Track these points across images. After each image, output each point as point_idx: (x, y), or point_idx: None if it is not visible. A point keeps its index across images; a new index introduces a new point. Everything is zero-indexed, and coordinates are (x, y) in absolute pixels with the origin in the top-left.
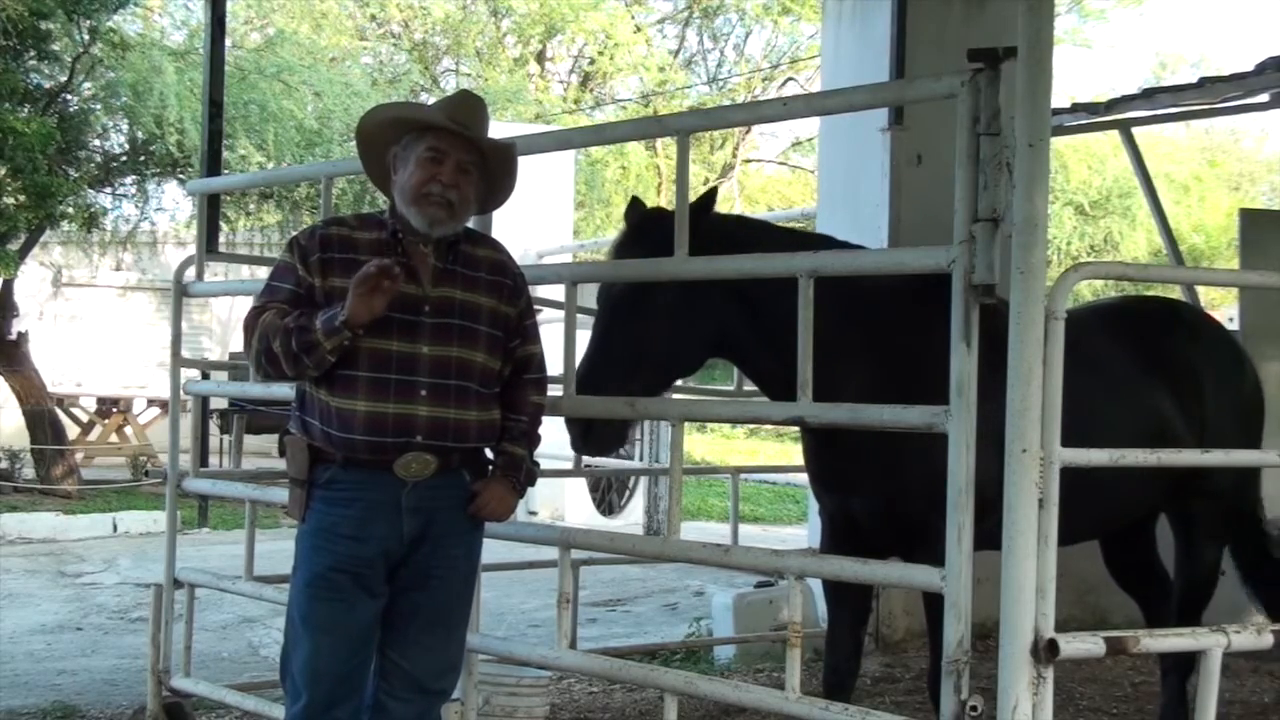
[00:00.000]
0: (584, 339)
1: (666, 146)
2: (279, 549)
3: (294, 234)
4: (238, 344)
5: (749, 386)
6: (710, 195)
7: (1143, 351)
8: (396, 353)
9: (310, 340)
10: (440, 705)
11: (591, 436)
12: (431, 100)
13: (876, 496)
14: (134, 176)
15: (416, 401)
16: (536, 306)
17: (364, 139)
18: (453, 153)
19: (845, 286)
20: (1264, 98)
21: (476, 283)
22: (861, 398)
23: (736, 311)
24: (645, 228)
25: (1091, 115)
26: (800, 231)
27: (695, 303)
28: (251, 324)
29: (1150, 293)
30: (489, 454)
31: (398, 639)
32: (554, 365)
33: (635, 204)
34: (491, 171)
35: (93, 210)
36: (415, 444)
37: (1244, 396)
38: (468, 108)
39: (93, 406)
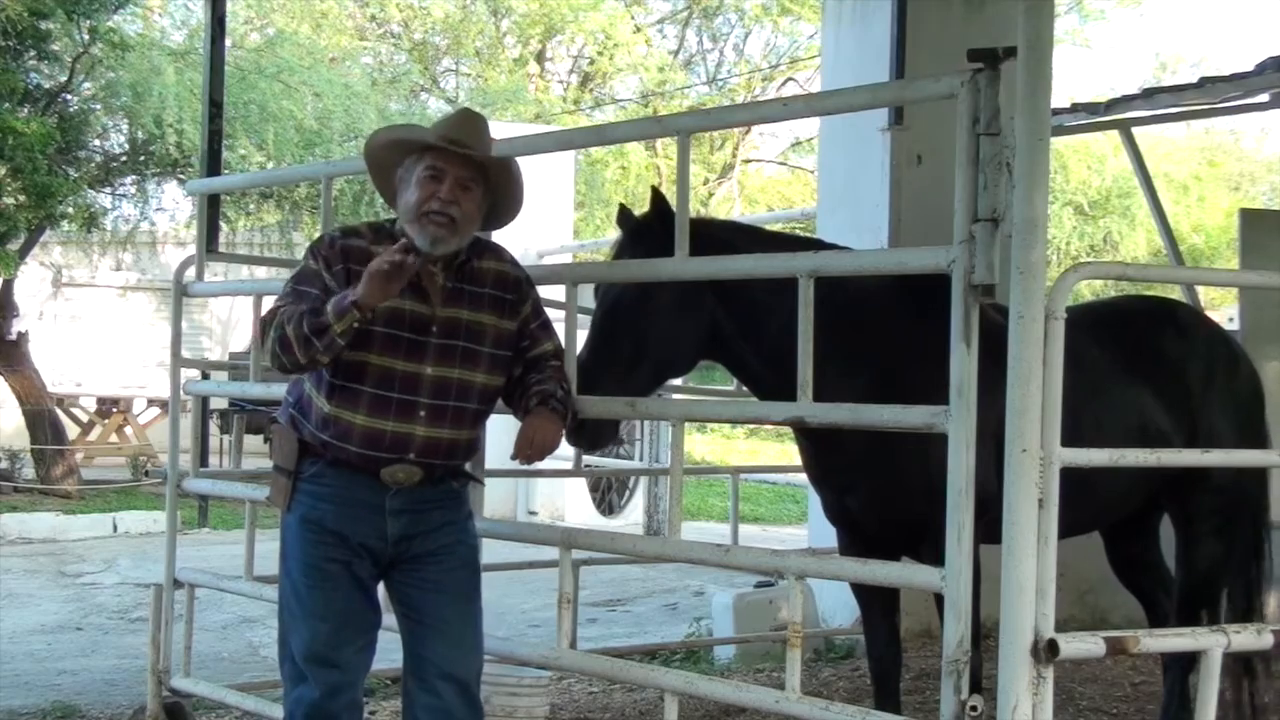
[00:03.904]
0: (584, 339)
1: (666, 146)
2: (279, 549)
3: (312, 241)
4: (238, 344)
5: None
6: (657, 197)
7: (1127, 350)
8: (401, 372)
9: (322, 322)
10: (469, 697)
11: (585, 430)
12: (431, 100)
13: (869, 494)
14: (134, 176)
15: (415, 421)
16: None
17: (371, 164)
18: (451, 169)
19: (827, 290)
20: (1264, 98)
21: (481, 300)
22: (839, 398)
23: (726, 315)
24: (641, 233)
25: (1091, 115)
26: (786, 234)
27: (689, 306)
28: (271, 319)
29: (1150, 293)
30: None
31: (414, 629)
32: None
33: (624, 211)
34: (494, 186)
35: (93, 210)
36: (406, 459)
37: (1239, 395)
38: (466, 126)
39: (93, 406)
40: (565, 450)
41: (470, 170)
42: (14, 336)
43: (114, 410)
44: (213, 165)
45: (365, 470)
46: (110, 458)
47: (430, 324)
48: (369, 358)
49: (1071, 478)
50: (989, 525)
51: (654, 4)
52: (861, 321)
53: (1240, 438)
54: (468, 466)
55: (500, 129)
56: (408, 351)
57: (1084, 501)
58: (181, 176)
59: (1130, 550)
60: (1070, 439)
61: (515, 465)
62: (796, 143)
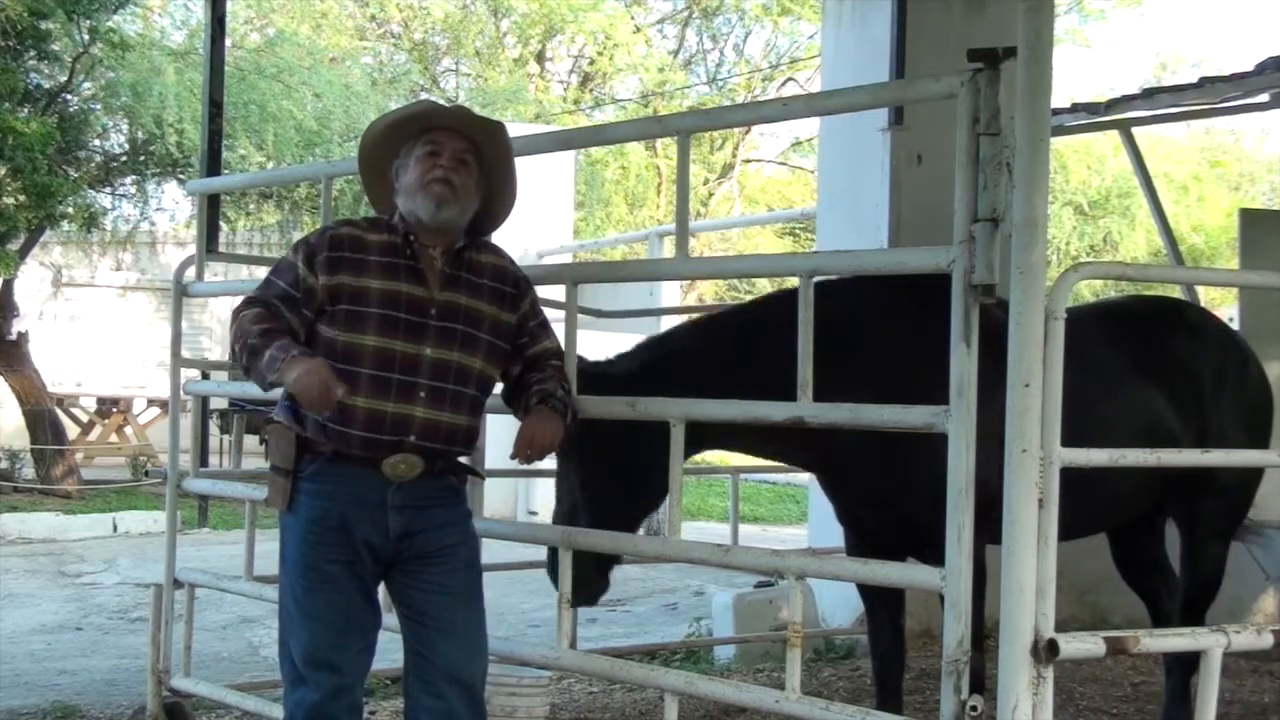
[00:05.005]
0: (584, 339)
1: (666, 146)
2: (279, 549)
3: (304, 235)
4: None
5: None
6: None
7: (1138, 350)
8: (400, 353)
9: (254, 365)
10: (474, 699)
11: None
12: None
13: (875, 499)
14: (134, 176)
15: (415, 403)
16: None
17: (366, 163)
18: (449, 143)
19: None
20: (1264, 98)
21: (480, 289)
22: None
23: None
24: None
25: (1091, 115)
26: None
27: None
28: (237, 314)
29: (1153, 293)
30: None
31: (418, 631)
32: None
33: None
34: (489, 166)
35: (93, 210)
36: (408, 444)
37: (1248, 396)
38: (458, 109)
39: (93, 406)
40: None
41: (465, 144)
42: (14, 336)
43: (114, 410)
44: (213, 165)
45: (366, 464)
46: (110, 458)
47: (429, 307)
48: (366, 339)
49: (1080, 478)
50: (993, 525)
51: (654, 4)
52: (860, 323)
53: (1249, 439)
54: (466, 461)
55: None
56: (406, 333)
57: (1093, 502)
58: (181, 176)
59: (1135, 550)
60: (1077, 439)
61: (515, 465)
62: (796, 143)
